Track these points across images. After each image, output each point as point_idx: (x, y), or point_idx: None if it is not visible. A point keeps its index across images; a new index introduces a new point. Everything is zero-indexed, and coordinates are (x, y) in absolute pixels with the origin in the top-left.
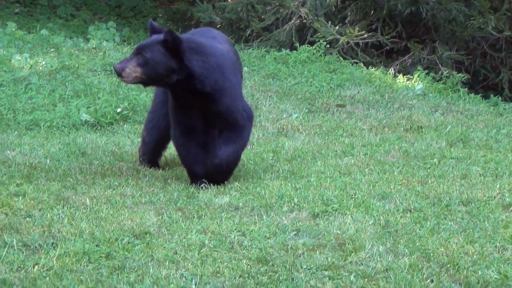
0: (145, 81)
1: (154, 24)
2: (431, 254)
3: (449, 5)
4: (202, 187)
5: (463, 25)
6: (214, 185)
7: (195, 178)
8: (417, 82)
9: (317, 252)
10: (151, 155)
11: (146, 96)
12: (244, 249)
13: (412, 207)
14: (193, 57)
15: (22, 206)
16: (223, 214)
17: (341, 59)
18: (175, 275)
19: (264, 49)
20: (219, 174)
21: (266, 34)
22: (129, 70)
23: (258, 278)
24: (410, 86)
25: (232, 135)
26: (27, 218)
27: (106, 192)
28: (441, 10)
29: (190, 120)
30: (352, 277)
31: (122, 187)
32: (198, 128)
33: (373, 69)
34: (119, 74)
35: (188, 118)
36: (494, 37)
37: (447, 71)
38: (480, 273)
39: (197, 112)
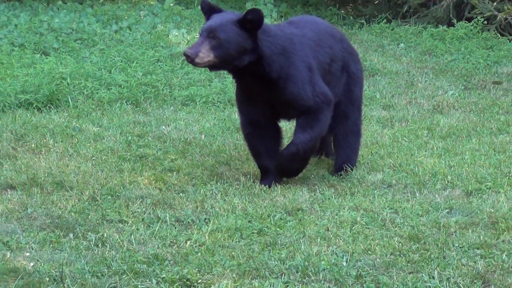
0: (217, 65)
1: (212, 4)
2: None
3: None
4: (266, 187)
5: None
6: (282, 183)
7: (264, 173)
8: None
9: (470, 230)
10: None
11: None
12: (396, 227)
13: None
14: (263, 37)
15: (176, 182)
16: (375, 191)
17: (499, 35)
18: (327, 252)
19: (421, 25)
20: (294, 162)
21: (424, 10)
22: (202, 55)
23: (409, 256)
24: None
25: (307, 121)
26: (181, 194)
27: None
28: None
29: (257, 110)
30: (504, 255)
31: None
32: (266, 119)
33: None
34: (192, 59)
35: (254, 107)
36: None
37: None
38: None
39: (265, 102)
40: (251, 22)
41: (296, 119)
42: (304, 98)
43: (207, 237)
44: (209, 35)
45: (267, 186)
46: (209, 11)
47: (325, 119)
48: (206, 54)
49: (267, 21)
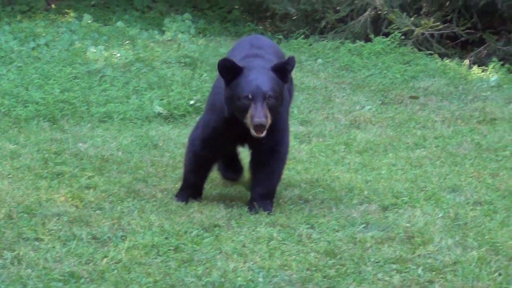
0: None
1: (235, 63)
2: (500, 247)
3: None
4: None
5: None
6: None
7: (186, 192)
8: (492, 74)
9: (386, 245)
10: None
11: None
12: (312, 242)
13: (482, 199)
14: None
15: (92, 199)
16: (292, 206)
17: (416, 50)
18: (243, 268)
19: (339, 41)
20: (268, 201)
21: (341, 25)
22: (269, 120)
23: (325, 271)
24: (484, 77)
25: (276, 164)
26: (97, 211)
27: (177, 185)
28: None
29: (227, 144)
30: (420, 270)
31: None
32: (228, 149)
33: (448, 60)
34: (265, 127)
35: (226, 142)
36: None
37: None
38: None
39: (241, 141)
40: (288, 71)
41: (264, 159)
42: (284, 146)
43: (123, 254)
44: (265, 100)
45: (184, 202)
46: (232, 71)
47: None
48: (269, 119)
49: (185, 37)
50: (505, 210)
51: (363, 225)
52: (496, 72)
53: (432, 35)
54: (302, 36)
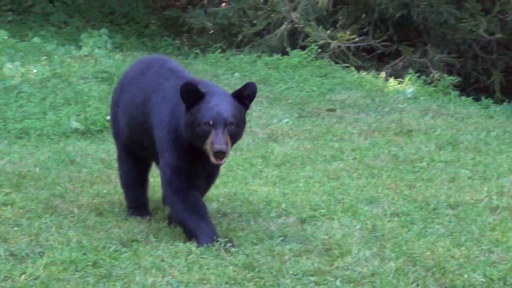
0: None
1: (198, 88)
2: (418, 258)
3: (440, 8)
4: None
5: (454, 27)
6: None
7: (203, 232)
8: (408, 86)
9: (304, 257)
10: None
11: None
12: (231, 256)
13: (399, 211)
14: None
15: (10, 215)
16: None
17: (333, 63)
18: (162, 282)
19: (256, 54)
20: None
21: (258, 39)
22: (228, 148)
23: (244, 284)
24: (401, 89)
25: (208, 189)
26: (15, 227)
27: (95, 200)
28: (432, 13)
29: (195, 171)
30: (338, 282)
31: (111, 195)
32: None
33: (364, 73)
34: (226, 154)
35: (194, 169)
36: (486, 40)
37: (438, 74)
38: (466, 276)
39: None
40: (248, 98)
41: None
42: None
43: (42, 271)
44: (226, 126)
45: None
46: (194, 95)
47: None
48: (229, 146)
49: (101, 52)
50: (422, 221)
51: (281, 238)
52: (412, 84)
53: (348, 48)
54: (219, 50)
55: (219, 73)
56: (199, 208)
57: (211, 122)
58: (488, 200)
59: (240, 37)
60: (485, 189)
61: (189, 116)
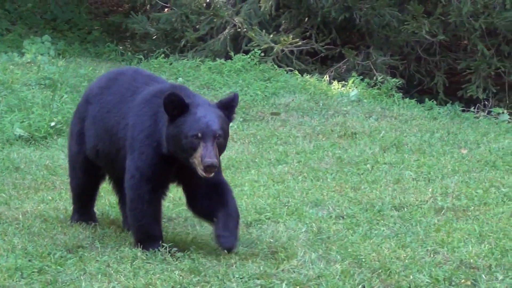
0: None
1: (182, 98)
2: (363, 260)
3: (382, 11)
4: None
5: (397, 30)
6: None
7: (152, 240)
8: (352, 88)
9: (250, 261)
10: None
11: None
12: (176, 260)
13: (344, 213)
14: None
15: None
16: None
17: (276, 67)
18: None
19: (199, 59)
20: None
21: (201, 44)
22: (217, 160)
23: None
24: (345, 92)
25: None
26: None
27: (39, 207)
28: (374, 16)
29: (168, 181)
30: (284, 285)
31: (55, 201)
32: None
33: (308, 76)
34: (215, 168)
35: (167, 180)
36: (428, 42)
37: (381, 77)
38: (411, 277)
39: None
40: (233, 108)
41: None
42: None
43: None
44: (214, 139)
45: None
46: (178, 106)
47: None
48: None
49: (44, 59)
50: (367, 223)
51: None
52: (356, 87)
53: (292, 52)
54: (163, 55)
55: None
56: (158, 218)
57: (199, 135)
58: (433, 201)
59: (183, 42)
60: (430, 190)
61: (174, 128)
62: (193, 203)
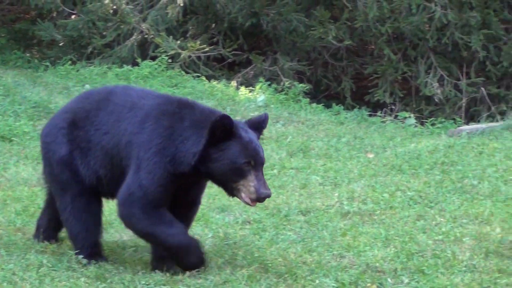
0: None
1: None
2: (269, 265)
3: (289, 16)
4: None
5: (304, 35)
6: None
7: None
8: (259, 94)
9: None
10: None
11: None
12: (83, 267)
13: (251, 218)
14: None
15: None
16: (63, 233)
17: (183, 73)
18: None
19: (106, 66)
20: None
21: (108, 50)
22: None
23: None
24: (252, 97)
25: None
26: None
27: None
28: (281, 21)
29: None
30: None
31: None
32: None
33: (215, 82)
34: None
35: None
36: (335, 47)
37: (288, 82)
38: (317, 281)
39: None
40: (262, 129)
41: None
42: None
43: None
44: (262, 166)
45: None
46: (227, 130)
47: None
48: None
49: None
50: (274, 228)
51: (133, 249)
52: (263, 92)
53: (199, 58)
54: (69, 62)
55: (69, 85)
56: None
57: (252, 163)
58: (339, 205)
59: (90, 49)
60: (336, 194)
61: (217, 151)
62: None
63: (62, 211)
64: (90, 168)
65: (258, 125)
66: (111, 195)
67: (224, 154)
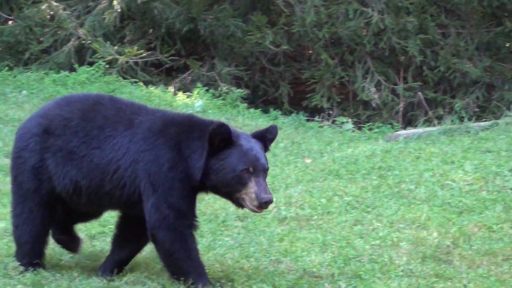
0: None
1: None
2: (207, 270)
3: (227, 21)
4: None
5: (241, 40)
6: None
7: (204, 276)
8: (197, 99)
9: (93, 274)
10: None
11: None
12: (19, 274)
13: None
14: None
15: None
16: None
17: (121, 79)
18: None
19: (43, 72)
20: None
21: (45, 56)
22: None
23: None
24: (190, 103)
25: None
26: None
27: None
28: (219, 27)
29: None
30: None
31: None
32: None
33: (153, 87)
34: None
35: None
36: (273, 52)
37: (226, 87)
38: (254, 287)
39: None
40: (270, 140)
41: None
42: None
43: None
44: (264, 173)
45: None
46: (227, 138)
47: None
48: None
49: None
50: (211, 233)
51: (70, 255)
52: (201, 98)
53: (136, 63)
54: (6, 68)
55: (6, 92)
56: (197, 252)
57: (251, 169)
58: (277, 211)
59: (27, 54)
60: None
61: (217, 161)
62: (127, 227)
63: (15, 216)
64: (68, 177)
65: (262, 135)
66: (84, 204)
67: (224, 164)
